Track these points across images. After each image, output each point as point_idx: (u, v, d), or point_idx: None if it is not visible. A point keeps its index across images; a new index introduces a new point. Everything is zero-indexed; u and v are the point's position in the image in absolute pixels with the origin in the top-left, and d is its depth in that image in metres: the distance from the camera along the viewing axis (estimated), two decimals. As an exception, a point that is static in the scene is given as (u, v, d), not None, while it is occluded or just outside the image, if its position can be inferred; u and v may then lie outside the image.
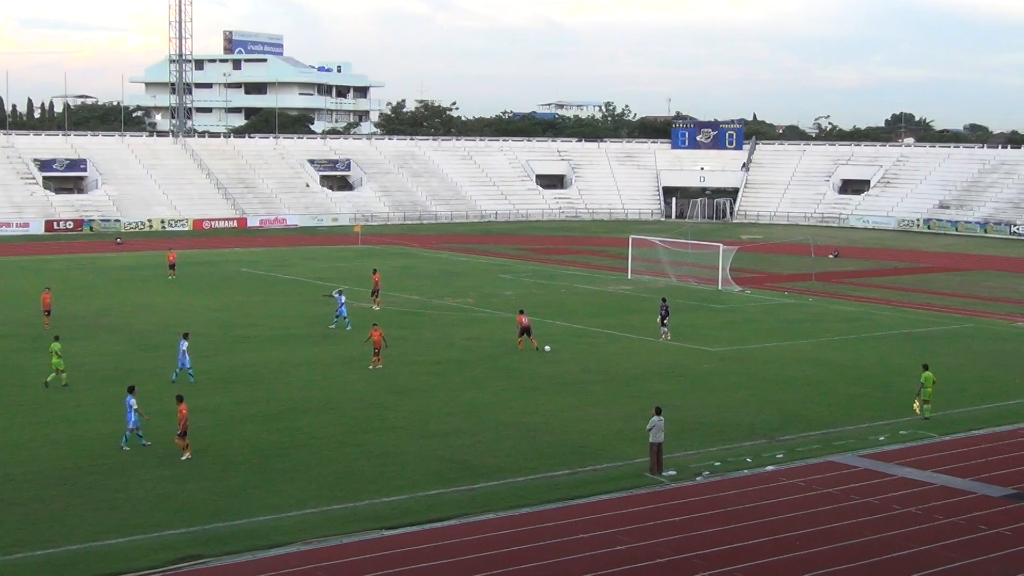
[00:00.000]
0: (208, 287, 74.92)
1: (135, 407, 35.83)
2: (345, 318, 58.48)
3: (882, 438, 39.13)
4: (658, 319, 57.98)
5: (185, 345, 45.73)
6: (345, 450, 36.32)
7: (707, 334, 59.33)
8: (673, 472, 34.31)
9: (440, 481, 33.25)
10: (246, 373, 47.69)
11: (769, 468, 35.38)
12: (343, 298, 59.42)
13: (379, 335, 48.92)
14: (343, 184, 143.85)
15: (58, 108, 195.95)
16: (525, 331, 53.96)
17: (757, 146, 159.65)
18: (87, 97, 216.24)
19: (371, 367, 48.47)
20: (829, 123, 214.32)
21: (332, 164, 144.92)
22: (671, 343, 56.00)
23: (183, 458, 34.44)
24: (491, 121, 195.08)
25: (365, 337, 50.29)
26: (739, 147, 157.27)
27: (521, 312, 55.80)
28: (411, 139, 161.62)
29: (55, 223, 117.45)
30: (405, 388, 45.41)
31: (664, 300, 59.43)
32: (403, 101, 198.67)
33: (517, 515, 30.50)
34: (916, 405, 41.90)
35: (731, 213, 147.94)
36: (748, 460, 36.11)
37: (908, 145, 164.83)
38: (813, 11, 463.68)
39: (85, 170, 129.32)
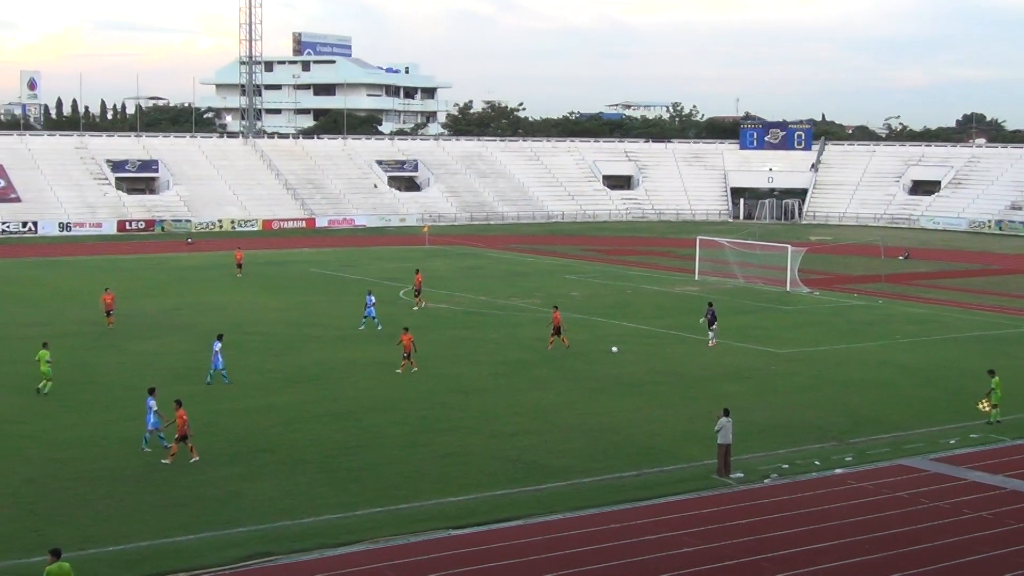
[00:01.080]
0: (276, 287, 75.48)
1: (155, 408, 36.13)
2: (374, 318, 58.26)
3: (952, 441, 38.72)
4: (704, 323, 56.74)
5: (218, 346, 45.75)
6: (411, 450, 36.45)
7: (775, 336, 58.97)
8: (741, 474, 34.14)
9: (506, 481, 33.29)
10: (314, 372, 47.99)
11: (838, 471, 35.12)
12: (372, 299, 59.31)
13: (409, 339, 48.31)
14: (410, 185, 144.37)
15: (130, 110, 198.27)
16: (557, 330, 53.84)
17: (826, 146, 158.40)
18: (159, 99, 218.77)
19: (399, 371, 47.89)
20: (899, 123, 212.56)
21: (400, 165, 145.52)
22: (738, 344, 55.69)
23: (191, 461, 34.20)
24: (558, 122, 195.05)
25: (397, 340, 49.77)
26: (808, 147, 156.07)
27: (556, 308, 55.69)
28: (478, 140, 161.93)
29: (127, 223, 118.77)
30: (471, 388, 45.50)
31: (710, 304, 58.20)
32: (470, 102, 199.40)
33: (583, 516, 30.47)
34: (982, 405, 41.37)
35: (800, 214, 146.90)
36: (816, 463, 35.86)
37: (979, 146, 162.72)
38: (881, 10, 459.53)
39: (157, 171, 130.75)
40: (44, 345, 44.72)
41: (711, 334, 55.76)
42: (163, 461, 34.25)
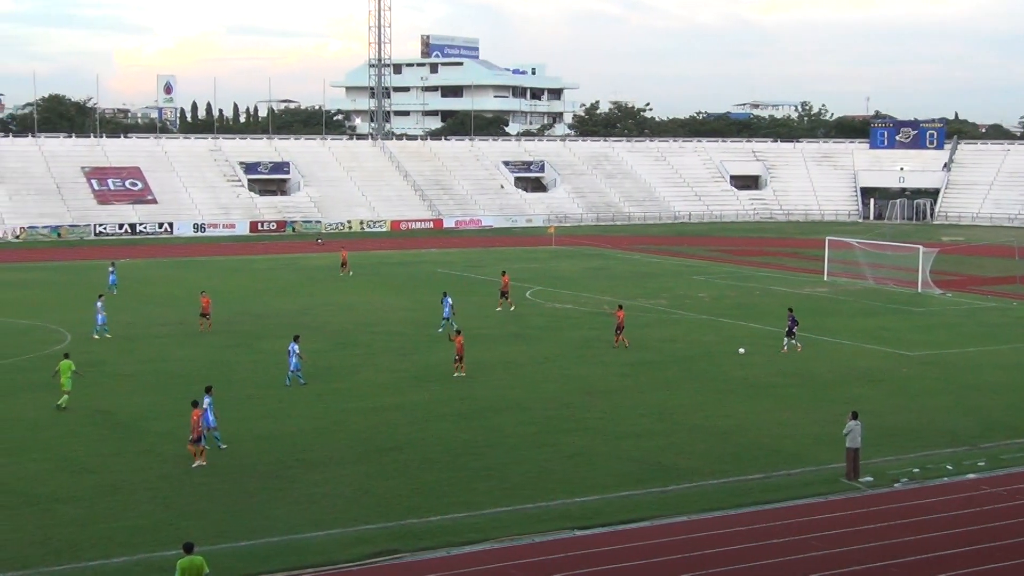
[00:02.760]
0: (404, 287, 76.29)
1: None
2: (450, 320, 58.00)
3: (1090, 448, 37.84)
4: (785, 330, 54.61)
5: (296, 348, 45.85)
6: (538, 450, 36.62)
7: (905, 338, 58.08)
8: (870, 478, 33.74)
9: (632, 482, 33.29)
10: (442, 372, 48.35)
11: (970, 476, 34.52)
12: (450, 300, 59.22)
13: (460, 341, 47.91)
14: (537, 185, 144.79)
15: (262, 113, 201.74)
16: (619, 328, 53.57)
17: (959, 145, 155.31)
18: (290, 102, 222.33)
19: (455, 375, 47.51)
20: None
21: (526, 166, 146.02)
22: (868, 347, 54.96)
23: (194, 465, 34.14)
24: (685, 122, 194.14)
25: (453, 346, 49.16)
26: (940, 146, 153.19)
27: (620, 307, 55.43)
28: (604, 140, 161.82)
29: (259, 224, 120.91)
30: (597, 389, 45.55)
31: (791, 311, 55.87)
32: (596, 102, 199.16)
33: (710, 518, 30.37)
34: None
35: (931, 214, 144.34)
36: (948, 467, 35.28)
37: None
38: (1015, 5, 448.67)
39: (288, 173, 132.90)
40: (65, 356, 42.89)
41: (792, 341, 53.83)
42: (194, 465, 34.17)
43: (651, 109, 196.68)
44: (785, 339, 54.06)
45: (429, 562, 27.14)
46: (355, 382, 46.37)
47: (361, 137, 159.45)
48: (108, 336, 55.36)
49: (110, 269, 73.28)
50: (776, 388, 46.13)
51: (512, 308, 65.31)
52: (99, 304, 56.61)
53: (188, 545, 23.62)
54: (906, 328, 61.51)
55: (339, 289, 74.94)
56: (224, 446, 36.12)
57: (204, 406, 35.94)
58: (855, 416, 34.04)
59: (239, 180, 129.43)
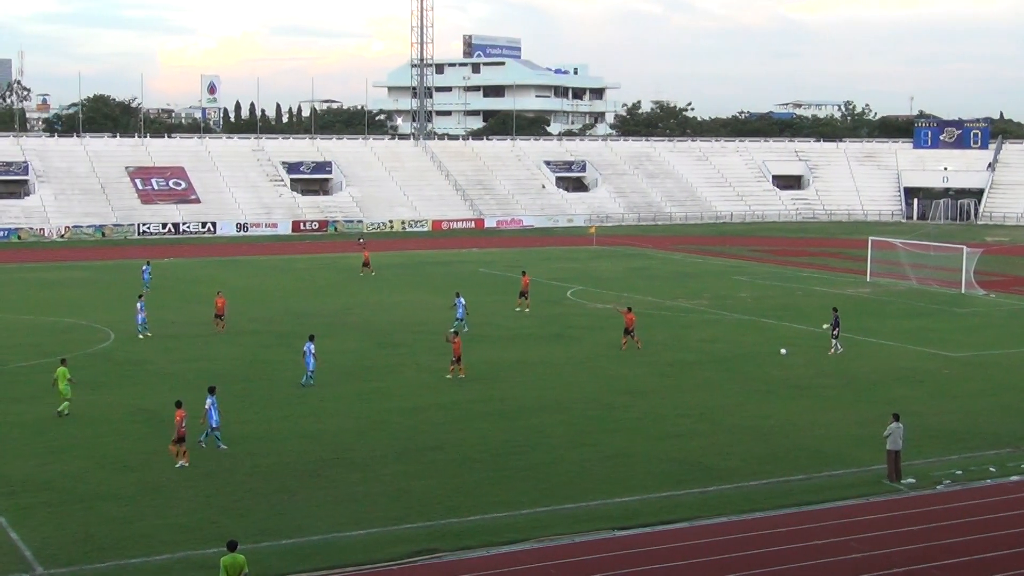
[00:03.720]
0: (445, 286, 76.22)
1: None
2: (461, 320, 57.73)
3: None
4: (828, 328, 54.19)
5: (311, 348, 45.60)
6: (578, 450, 36.63)
7: (949, 339, 57.69)
8: (912, 480, 33.55)
9: (672, 483, 33.25)
10: (482, 371, 48.45)
11: (1014, 478, 34.28)
12: (463, 300, 58.96)
13: (458, 343, 47.51)
14: (578, 185, 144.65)
15: (305, 112, 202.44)
16: (628, 331, 53.21)
17: (1004, 145, 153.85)
18: (332, 101, 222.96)
19: (449, 376, 47.18)
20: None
21: (567, 165, 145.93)
22: (911, 347, 54.64)
23: (177, 465, 34.08)
24: (727, 121, 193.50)
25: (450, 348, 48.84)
26: (984, 146, 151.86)
27: (629, 309, 54.95)
28: (646, 140, 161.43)
29: (301, 223, 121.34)
30: (637, 389, 45.50)
31: (835, 310, 55.33)
32: (638, 102, 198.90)
33: (750, 519, 30.30)
34: None
35: (976, 214, 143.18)
36: (992, 469, 35.04)
37: None
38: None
39: (330, 172, 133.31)
40: (62, 362, 41.96)
41: (834, 341, 53.36)
42: (178, 464, 34.17)
43: (693, 109, 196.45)
44: (833, 340, 53.60)
45: (468, 561, 27.21)
46: (396, 381, 46.52)
47: (403, 137, 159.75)
48: (149, 334, 55.69)
49: (144, 268, 73.55)
50: (818, 389, 45.94)
51: (527, 310, 64.76)
52: (140, 304, 57.04)
53: (232, 543, 24.13)
54: (949, 329, 61.10)
55: (379, 289, 75.14)
56: (224, 447, 36.06)
57: (207, 406, 35.98)
58: (897, 418, 33.87)
59: (282, 180, 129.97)
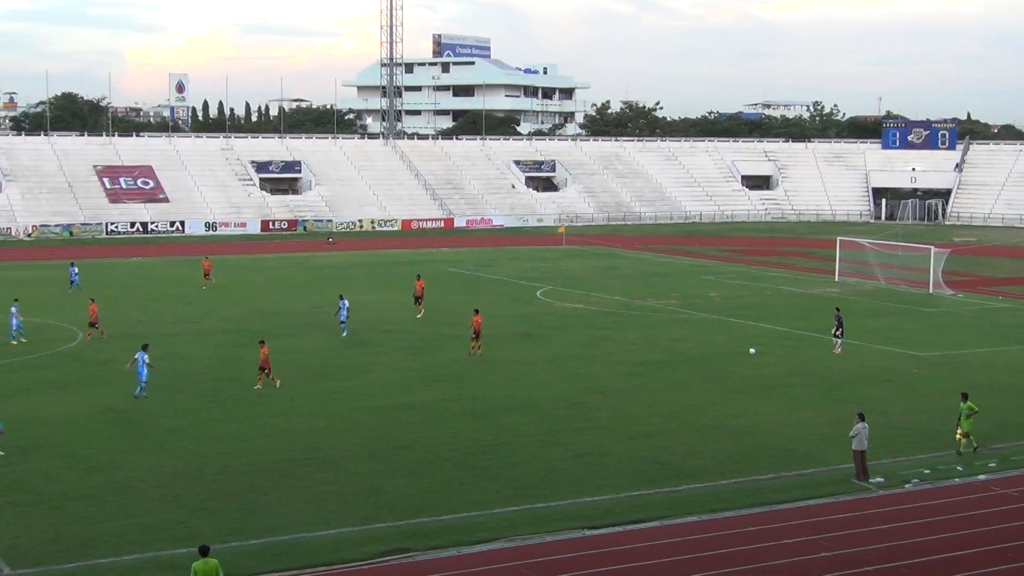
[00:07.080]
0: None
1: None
2: (343, 323, 56.73)
3: (1102, 449, 37.72)
4: (834, 330, 54.34)
5: (145, 357, 42.76)
6: (548, 449, 36.63)
7: (917, 338, 57.98)
8: (881, 479, 33.70)
9: (643, 482, 33.28)
10: (452, 371, 48.45)
11: (981, 477, 34.46)
12: (346, 303, 57.62)
13: (265, 352, 44.80)
14: (548, 185, 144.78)
15: (274, 112, 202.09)
16: (475, 334, 52.07)
17: (971, 146, 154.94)
18: (301, 101, 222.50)
19: (257, 387, 44.42)
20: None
21: (537, 165, 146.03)
22: (879, 347, 54.87)
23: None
24: (696, 122, 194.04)
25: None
26: (952, 147, 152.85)
27: (476, 312, 53.36)
28: (616, 140, 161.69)
29: (271, 223, 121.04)
30: (607, 388, 45.54)
31: (838, 310, 55.82)
32: (608, 102, 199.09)
33: (720, 519, 30.35)
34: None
35: (943, 215, 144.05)
36: (959, 468, 35.22)
37: None
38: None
39: (299, 172, 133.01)
40: None
41: (838, 341, 53.75)
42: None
43: (662, 109, 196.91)
44: (837, 340, 53.79)
45: (439, 561, 27.17)
46: (366, 381, 46.43)
47: (372, 136, 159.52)
48: (24, 340, 53.34)
49: (71, 268, 72.84)
50: (787, 388, 46.09)
51: (420, 316, 62.88)
52: (14, 308, 54.39)
53: (204, 548, 23.42)
54: (917, 329, 61.41)
55: (350, 288, 74.81)
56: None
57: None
58: (862, 418, 33.99)
59: (250, 179, 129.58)
